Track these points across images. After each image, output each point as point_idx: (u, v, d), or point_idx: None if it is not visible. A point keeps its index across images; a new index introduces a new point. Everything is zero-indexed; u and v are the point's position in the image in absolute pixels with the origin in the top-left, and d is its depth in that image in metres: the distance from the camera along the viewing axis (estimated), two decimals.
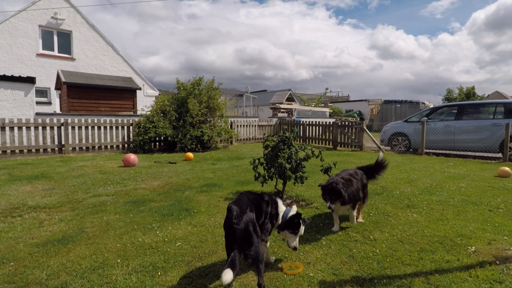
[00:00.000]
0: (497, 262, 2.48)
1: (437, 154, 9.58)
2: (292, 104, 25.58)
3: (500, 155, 8.46)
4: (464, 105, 10.24)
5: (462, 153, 9.55)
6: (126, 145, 10.24)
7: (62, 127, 9.07)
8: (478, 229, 3.23)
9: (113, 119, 10.09)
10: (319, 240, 3.03)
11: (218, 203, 4.33)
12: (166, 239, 3.08)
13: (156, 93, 18.72)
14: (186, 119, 10.31)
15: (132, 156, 7.31)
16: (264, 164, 4.49)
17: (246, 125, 13.86)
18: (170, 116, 10.40)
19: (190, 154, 8.60)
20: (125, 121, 10.27)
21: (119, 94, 14.33)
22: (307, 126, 13.56)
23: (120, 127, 10.16)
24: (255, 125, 14.23)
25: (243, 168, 7.02)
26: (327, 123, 13.05)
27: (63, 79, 13.07)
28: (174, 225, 3.47)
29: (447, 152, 9.80)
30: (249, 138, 13.85)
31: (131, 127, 10.31)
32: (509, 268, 2.38)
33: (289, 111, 19.10)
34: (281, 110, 18.80)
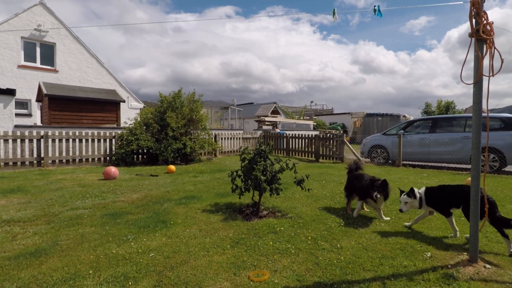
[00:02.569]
0: (449, 266, 2.66)
1: (414, 166, 9.95)
2: (277, 116, 25.98)
3: (470, 166, 8.86)
4: (437, 118, 10.73)
5: (436, 164, 9.95)
6: (108, 158, 10.18)
7: (42, 140, 8.97)
8: (438, 236, 3.44)
9: (95, 132, 10.05)
10: (289, 249, 3.16)
11: (196, 215, 4.41)
12: (140, 250, 3.14)
13: (141, 105, 18.71)
14: (167, 131, 10.38)
15: (113, 169, 7.30)
16: (242, 176, 4.62)
17: (230, 138, 14.01)
18: (153, 129, 10.44)
19: (172, 167, 8.64)
20: (108, 134, 10.24)
21: (102, 106, 14.26)
22: (291, 139, 13.81)
23: (102, 140, 10.12)
24: (239, 138, 14.38)
25: (224, 181, 7.11)
26: (310, 136, 13.34)
27: (44, 91, 12.94)
28: (149, 237, 3.53)
29: (423, 163, 10.19)
30: (233, 151, 13.98)
31: (113, 140, 10.28)
32: (458, 271, 2.57)
33: (274, 124, 19.41)
34: (266, 123, 19.11)
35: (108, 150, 10.21)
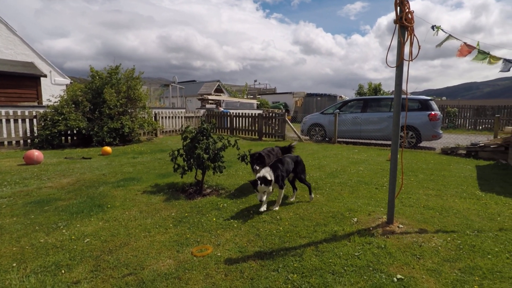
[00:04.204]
0: (371, 228, 3.04)
1: (347, 143, 10.81)
2: (220, 95, 25.66)
3: None
4: (368, 99, 11.70)
5: (366, 141, 10.96)
6: (29, 141, 9.04)
7: None
8: (364, 204, 3.87)
9: (10, 111, 8.76)
10: (231, 223, 3.26)
11: (135, 197, 4.25)
12: (73, 237, 2.95)
13: (67, 81, 16.78)
14: (103, 110, 9.57)
15: (36, 153, 6.55)
16: (184, 155, 4.54)
17: (172, 117, 13.49)
18: (84, 107, 9.53)
19: (107, 148, 8.07)
20: (27, 113, 9.03)
21: (17, 81, 12.47)
22: (235, 118, 13.84)
23: (20, 120, 8.89)
24: (181, 117, 13.94)
25: (166, 161, 6.91)
26: (254, 115, 13.51)
27: None
28: (83, 222, 3.32)
29: (355, 140, 11.14)
30: (175, 130, 13.53)
31: (35, 120, 9.12)
32: (378, 232, 2.95)
33: (218, 103, 19.16)
34: (209, 102, 18.77)
35: (28, 132, 9.04)
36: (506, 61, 3.36)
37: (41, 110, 9.40)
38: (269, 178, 3.48)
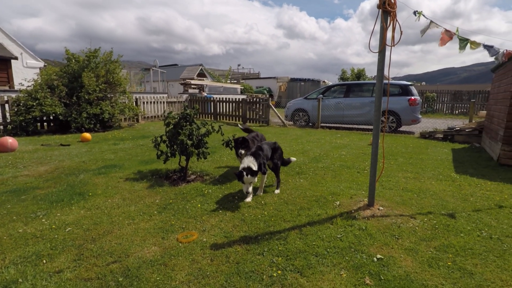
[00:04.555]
0: (353, 211, 3.14)
1: (330, 128, 10.96)
2: (203, 80, 25.18)
3: None
4: (351, 84, 11.82)
5: (349, 126, 11.15)
6: (1, 127, 8.63)
7: None
8: (346, 187, 3.97)
9: None
10: (217, 209, 3.28)
11: (118, 184, 4.18)
12: (53, 226, 2.89)
13: (41, 64, 15.97)
14: (81, 95, 9.21)
15: (10, 140, 6.28)
16: (167, 142, 4.47)
17: (154, 102, 13.19)
18: (60, 92, 9.14)
19: (87, 135, 7.83)
20: None
21: None
22: (218, 103, 13.68)
23: None
24: (163, 102, 13.63)
25: (149, 147, 6.79)
26: (238, 100, 13.40)
27: None
28: (64, 211, 3.25)
29: (338, 125, 11.30)
30: (158, 116, 13.26)
31: (6, 105, 8.68)
32: (359, 214, 3.05)
33: (201, 87, 18.82)
34: (192, 86, 18.39)
35: (0, 118, 8.63)
36: (485, 46, 3.45)
37: (13, 95, 8.94)
38: (255, 169, 3.38)
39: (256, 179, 3.49)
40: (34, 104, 8.53)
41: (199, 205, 3.38)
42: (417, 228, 2.77)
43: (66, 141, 7.55)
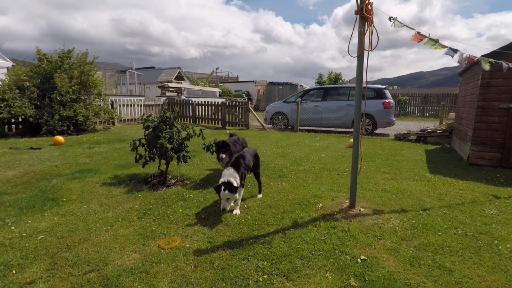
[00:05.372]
0: (335, 213, 3.18)
1: (309, 131, 11.11)
2: (181, 83, 24.82)
3: (352, 130, 10.44)
4: (328, 88, 12.06)
5: (327, 129, 11.35)
6: None
7: None
8: (327, 189, 4.02)
9: None
10: (199, 214, 3.21)
11: (94, 189, 4.00)
12: (24, 234, 2.71)
13: (9, 63, 15.11)
14: (53, 97, 8.80)
15: None
16: (146, 145, 4.35)
17: (131, 105, 12.82)
18: (30, 93, 8.68)
19: (59, 138, 7.47)
20: None
21: None
22: (197, 106, 13.51)
23: None
24: (140, 105, 13.29)
25: (126, 151, 6.58)
26: (217, 103, 13.30)
27: None
28: (35, 218, 3.07)
29: (316, 128, 11.47)
30: (134, 119, 12.90)
31: None
32: (341, 216, 3.09)
33: (179, 90, 18.52)
34: (170, 89, 18.06)
35: None
36: (451, 49, 3.63)
37: None
38: (235, 184, 3.02)
39: (236, 195, 3.08)
40: (2, 105, 8.07)
41: (180, 210, 3.30)
42: (397, 228, 2.84)
43: (36, 144, 7.17)
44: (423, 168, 5.27)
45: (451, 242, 2.58)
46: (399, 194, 3.86)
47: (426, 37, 3.56)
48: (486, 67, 3.46)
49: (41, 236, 2.69)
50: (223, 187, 2.98)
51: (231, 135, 5.06)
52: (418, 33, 3.58)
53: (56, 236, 2.71)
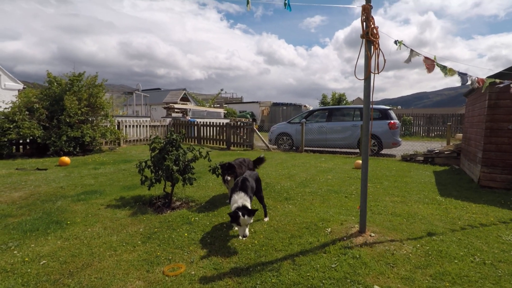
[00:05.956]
0: (345, 238, 3.08)
1: (314, 151, 11.06)
2: (187, 104, 25.18)
3: (357, 150, 10.38)
4: (332, 109, 12.12)
5: (332, 149, 11.29)
6: None
7: None
8: (335, 213, 3.92)
9: None
10: (204, 238, 3.13)
11: (98, 211, 3.95)
12: (26, 259, 2.65)
13: (20, 86, 15.51)
14: (61, 118, 8.93)
15: None
16: (152, 167, 4.33)
17: (136, 125, 12.95)
18: (39, 115, 8.83)
19: (65, 159, 7.50)
20: None
21: None
22: (202, 127, 13.61)
23: None
24: (146, 125, 13.42)
25: (131, 172, 6.57)
26: (221, 124, 13.38)
27: None
28: (38, 242, 3.01)
29: (321, 149, 11.43)
30: (140, 140, 12.99)
31: None
32: (352, 242, 2.99)
33: (184, 111, 18.75)
34: (176, 110, 18.29)
35: None
36: (460, 74, 3.63)
37: None
38: (250, 206, 2.97)
39: (252, 219, 2.98)
40: (11, 126, 8.19)
41: (186, 234, 3.22)
42: (410, 255, 2.73)
43: (43, 165, 7.20)
44: (433, 191, 5.15)
45: (468, 271, 2.46)
46: (410, 218, 3.75)
47: (434, 61, 3.58)
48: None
49: (44, 261, 2.62)
50: (241, 213, 2.86)
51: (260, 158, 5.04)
52: (426, 58, 3.60)
53: (58, 261, 2.64)
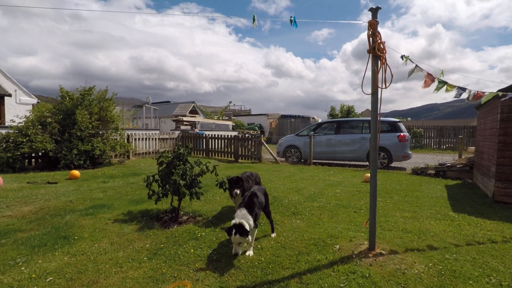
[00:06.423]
0: (353, 256, 3.00)
1: (322, 164, 10.97)
2: (195, 116, 25.47)
3: (366, 163, 10.25)
4: (341, 121, 12.06)
5: (340, 162, 11.18)
6: None
7: None
8: (344, 229, 3.84)
9: None
10: (210, 255, 3.10)
11: (106, 226, 3.97)
12: (33, 275, 2.66)
13: (34, 100, 15.98)
14: (73, 132, 9.12)
15: None
16: (159, 181, 4.35)
17: (146, 138, 13.11)
18: (52, 129, 9.04)
19: (75, 172, 7.60)
20: None
21: None
22: (210, 139, 13.70)
23: None
24: (155, 138, 13.58)
25: (139, 186, 6.61)
26: (229, 136, 13.45)
27: None
28: (46, 257, 3.02)
29: (330, 161, 11.33)
30: (149, 152, 13.13)
31: None
32: (361, 260, 2.91)
33: (193, 124, 18.94)
34: (184, 123, 18.50)
35: None
36: (459, 88, 3.59)
37: (3, 131, 8.81)
38: (247, 227, 2.90)
39: (248, 238, 2.95)
40: (24, 140, 8.39)
41: (192, 250, 3.19)
42: (422, 274, 2.64)
43: (53, 179, 7.31)
44: (445, 206, 5.02)
45: None
46: (422, 235, 3.64)
47: (435, 78, 3.55)
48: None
49: (50, 278, 2.63)
50: (234, 230, 2.87)
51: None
52: (429, 74, 3.58)
53: (65, 278, 2.64)
